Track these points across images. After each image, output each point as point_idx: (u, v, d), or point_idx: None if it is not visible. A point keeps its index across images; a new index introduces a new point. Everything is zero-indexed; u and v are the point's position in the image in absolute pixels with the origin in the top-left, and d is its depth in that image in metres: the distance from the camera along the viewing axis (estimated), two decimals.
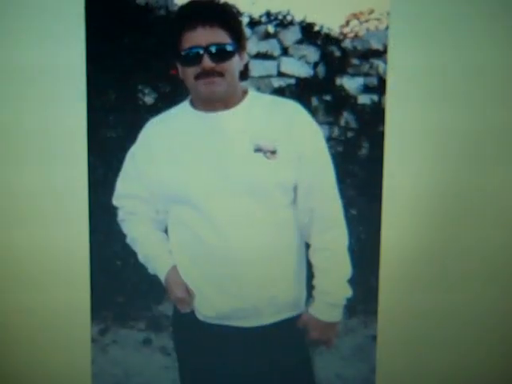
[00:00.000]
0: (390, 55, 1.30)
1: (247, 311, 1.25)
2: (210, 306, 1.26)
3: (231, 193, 1.21)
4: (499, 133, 1.34)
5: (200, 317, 1.28)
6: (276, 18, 1.32)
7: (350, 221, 1.27)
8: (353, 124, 1.36)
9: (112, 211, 1.32)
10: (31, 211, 1.34)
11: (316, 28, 1.32)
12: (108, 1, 1.30)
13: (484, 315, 1.41)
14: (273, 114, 1.22)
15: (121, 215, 1.32)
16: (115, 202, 1.32)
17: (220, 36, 1.18)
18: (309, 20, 1.32)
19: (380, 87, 1.32)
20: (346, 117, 1.36)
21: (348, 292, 1.27)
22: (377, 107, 1.33)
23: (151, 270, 1.30)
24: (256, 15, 1.32)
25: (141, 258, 1.30)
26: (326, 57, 1.34)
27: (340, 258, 1.26)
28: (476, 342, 1.42)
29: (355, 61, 1.33)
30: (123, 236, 1.32)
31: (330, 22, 1.31)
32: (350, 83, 1.34)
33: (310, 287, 1.28)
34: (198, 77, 1.18)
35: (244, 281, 1.24)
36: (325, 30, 1.32)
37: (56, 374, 1.40)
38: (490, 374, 1.44)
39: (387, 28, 1.29)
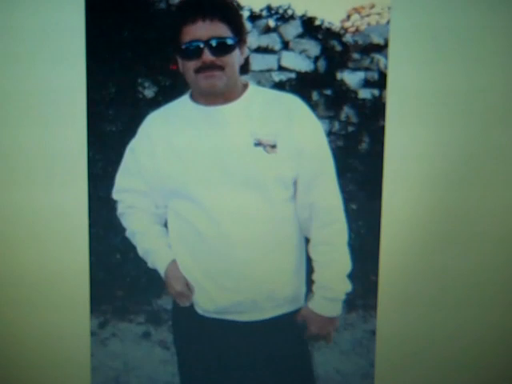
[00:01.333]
0: (390, 50, 1.29)
1: (246, 305, 1.26)
2: (209, 300, 1.26)
3: (231, 187, 1.21)
4: (503, 123, 1.34)
5: (199, 311, 1.28)
6: (277, 12, 1.32)
7: (350, 215, 1.27)
8: (353, 118, 1.36)
9: (111, 205, 1.32)
10: (31, 206, 1.34)
11: (317, 22, 1.32)
12: None
13: (485, 311, 1.41)
14: (273, 108, 1.22)
15: (120, 209, 1.32)
16: (115, 195, 1.31)
17: (220, 29, 1.17)
18: (310, 14, 1.31)
19: (381, 82, 1.32)
20: (347, 111, 1.36)
21: (347, 287, 1.27)
22: (377, 102, 1.33)
23: (151, 264, 1.30)
24: (257, 9, 1.31)
25: (140, 252, 1.30)
26: (326, 51, 1.34)
27: (340, 253, 1.26)
28: (476, 338, 1.42)
29: (356, 55, 1.33)
30: (123, 230, 1.32)
31: (330, 16, 1.31)
32: (351, 77, 1.34)
33: (309, 282, 1.28)
34: (198, 70, 1.18)
35: (243, 275, 1.24)
36: (326, 25, 1.32)
37: (56, 367, 1.41)
38: (489, 371, 1.44)
39: (388, 22, 1.29)
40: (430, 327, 1.41)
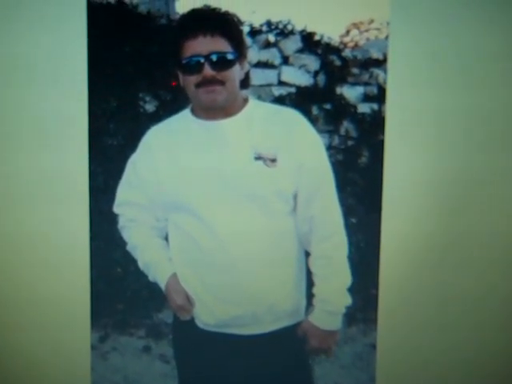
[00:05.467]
0: (389, 64, 1.30)
1: (246, 319, 1.25)
2: (209, 314, 1.26)
3: (231, 201, 1.21)
4: (503, 141, 1.34)
5: (200, 324, 1.28)
6: (277, 27, 1.33)
7: (350, 229, 1.27)
8: (353, 133, 1.37)
9: (112, 218, 1.32)
10: (32, 220, 1.34)
11: (316, 37, 1.33)
12: (110, 9, 1.30)
13: (486, 323, 1.41)
14: (273, 123, 1.23)
15: (121, 222, 1.32)
16: (116, 209, 1.32)
17: (221, 44, 1.18)
18: (309, 29, 1.32)
19: (380, 96, 1.32)
20: (346, 125, 1.37)
21: (348, 300, 1.27)
22: (377, 116, 1.34)
23: (151, 278, 1.30)
24: (257, 24, 1.33)
25: (141, 265, 1.30)
26: (326, 66, 1.35)
27: (340, 266, 1.26)
28: (476, 351, 1.42)
29: (355, 70, 1.34)
30: (124, 243, 1.32)
31: (330, 31, 1.32)
32: (350, 92, 1.35)
33: (309, 295, 1.28)
34: (198, 85, 1.19)
35: (243, 288, 1.24)
36: (325, 40, 1.33)
37: (56, 381, 1.40)
38: (490, 382, 1.44)
39: (387, 37, 1.30)
40: (431, 341, 1.41)
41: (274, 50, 1.35)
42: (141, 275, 1.30)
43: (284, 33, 1.33)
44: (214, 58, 1.18)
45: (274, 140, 1.21)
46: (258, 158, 1.21)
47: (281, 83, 1.36)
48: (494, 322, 1.41)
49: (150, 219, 1.30)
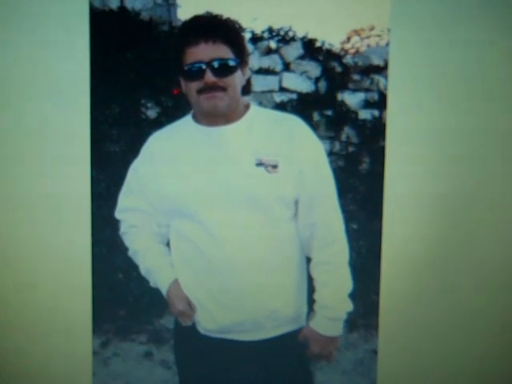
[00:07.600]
0: (390, 71, 1.30)
1: (248, 325, 1.25)
2: (210, 320, 1.26)
3: (233, 207, 1.21)
4: (502, 144, 1.35)
5: (201, 330, 1.28)
6: (278, 34, 1.34)
7: (351, 235, 1.27)
8: (354, 139, 1.37)
9: (114, 224, 1.33)
10: (34, 224, 1.34)
11: (317, 44, 1.34)
12: (112, 16, 1.31)
13: (485, 330, 1.40)
14: (274, 129, 1.23)
15: (123, 228, 1.32)
16: (117, 215, 1.32)
17: (223, 51, 1.19)
18: (310, 36, 1.33)
19: (381, 102, 1.33)
20: (347, 132, 1.37)
21: (349, 306, 1.27)
22: (378, 122, 1.34)
23: (153, 284, 1.30)
24: (258, 31, 1.33)
25: (142, 271, 1.30)
26: (327, 72, 1.35)
27: (341, 272, 1.26)
28: (477, 356, 1.42)
29: (356, 76, 1.34)
30: (125, 249, 1.32)
31: (331, 38, 1.33)
32: (351, 98, 1.35)
33: (310, 301, 1.28)
34: (200, 91, 1.19)
35: (245, 294, 1.24)
36: (326, 46, 1.34)
37: None
38: None
39: (388, 44, 1.30)
40: (432, 347, 1.40)
41: (275, 57, 1.36)
42: (142, 281, 1.31)
43: (285, 39, 1.34)
44: (216, 64, 1.18)
45: (276, 146, 1.21)
46: (260, 164, 1.21)
47: (282, 89, 1.37)
48: (494, 328, 1.41)
49: (151, 225, 1.30)
